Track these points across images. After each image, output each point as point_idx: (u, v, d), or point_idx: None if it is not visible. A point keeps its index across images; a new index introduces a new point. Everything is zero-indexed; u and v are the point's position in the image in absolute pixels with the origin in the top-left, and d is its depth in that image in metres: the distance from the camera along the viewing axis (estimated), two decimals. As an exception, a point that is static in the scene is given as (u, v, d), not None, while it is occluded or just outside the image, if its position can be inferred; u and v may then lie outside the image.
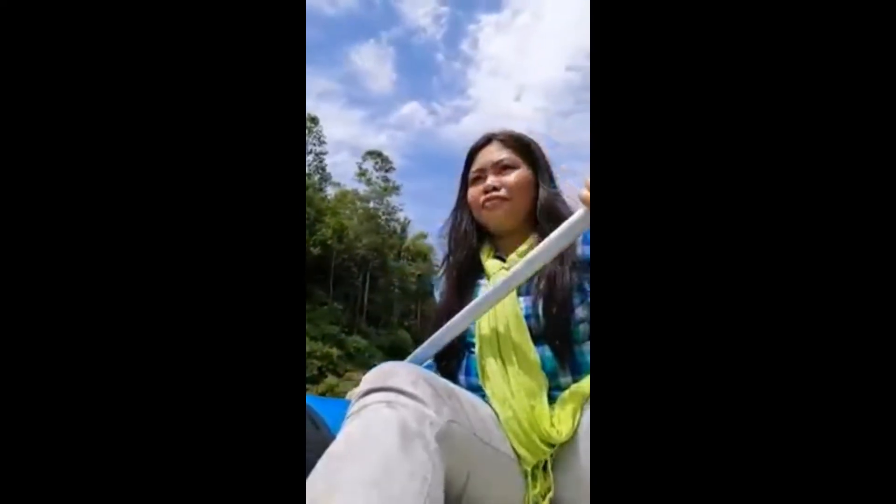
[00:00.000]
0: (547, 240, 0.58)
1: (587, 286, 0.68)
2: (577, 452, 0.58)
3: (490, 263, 0.77)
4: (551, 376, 0.64)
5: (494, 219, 0.78)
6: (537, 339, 0.66)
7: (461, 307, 0.73)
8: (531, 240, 0.75)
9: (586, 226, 0.56)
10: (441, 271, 0.85)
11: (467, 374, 0.72)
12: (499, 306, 0.67)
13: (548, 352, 0.66)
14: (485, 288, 0.75)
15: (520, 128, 0.84)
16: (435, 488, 0.42)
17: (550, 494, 0.58)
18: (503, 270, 0.73)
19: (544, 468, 0.60)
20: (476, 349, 0.69)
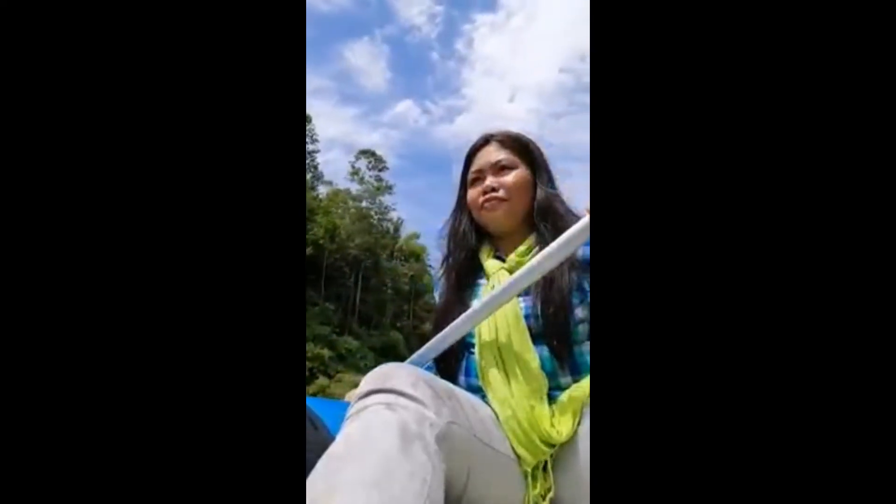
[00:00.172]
0: (549, 247, 0.57)
1: (586, 286, 0.68)
2: (576, 452, 0.58)
3: (490, 263, 0.77)
4: (551, 376, 0.65)
5: (494, 219, 0.78)
6: (537, 340, 0.66)
7: (461, 308, 0.73)
8: (531, 240, 0.75)
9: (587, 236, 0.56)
10: (440, 272, 0.85)
11: (467, 374, 0.72)
12: None
13: (547, 352, 0.66)
14: (485, 288, 0.75)
15: (514, 129, 0.85)
16: (435, 489, 0.42)
17: (551, 495, 0.58)
18: (503, 270, 0.73)
19: (544, 468, 0.60)
20: (476, 350, 0.69)
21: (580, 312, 0.67)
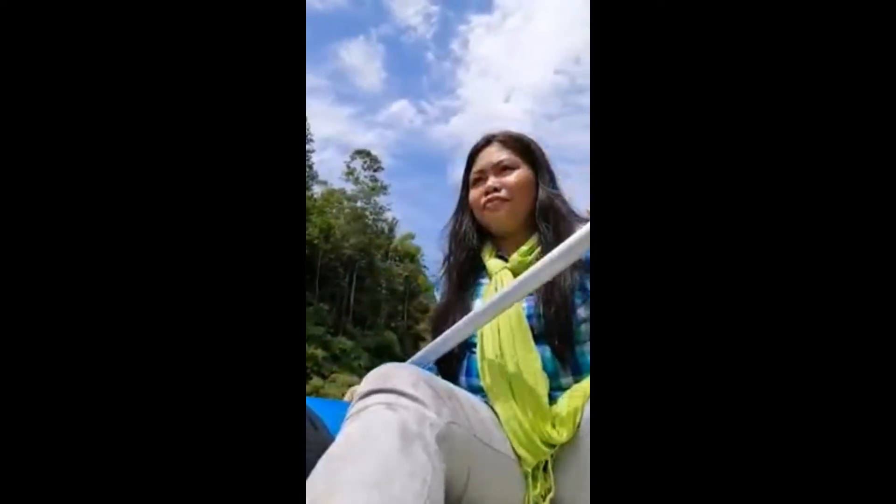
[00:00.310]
0: (553, 252, 0.56)
1: (588, 286, 0.68)
2: (577, 453, 0.58)
3: (492, 263, 0.77)
4: (552, 377, 0.65)
5: (496, 220, 0.79)
6: (539, 339, 0.66)
7: (461, 307, 0.73)
8: (533, 240, 0.75)
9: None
10: (442, 272, 0.85)
11: (468, 374, 0.72)
12: None
13: (549, 352, 0.66)
14: (487, 287, 0.75)
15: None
16: (435, 489, 0.42)
17: (551, 495, 0.58)
18: (506, 270, 0.73)
19: (544, 469, 0.60)
20: (477, 349, 0.69)
21: (582, 312, 0.67)
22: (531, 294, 0.69)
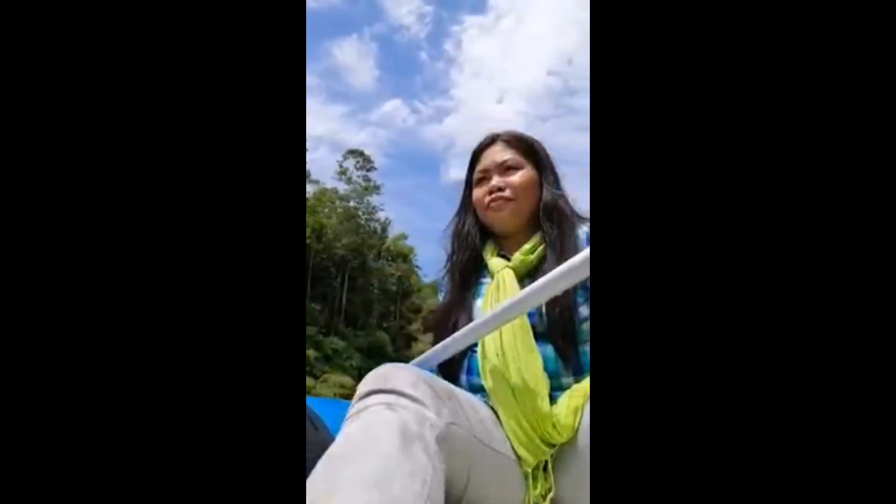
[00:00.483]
0: (564, 265, 0.54)
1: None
2: (577, 453, 0.58)
3: (494, 262, 0.76)
4: (553, 377, 0.65)
5: (500, 219, 0.79)
6: (540, 339, 0.66)
7: (464, 307, 0.73)
8: (535, 238, 0.75)
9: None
10: (444, 272, 0.85)
11: (469, 373, 0.72)
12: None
13: (551, 351, 0.66)
14: (488, 286, 0.75)
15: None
16: (435, 490, 0.42)
17: (551, 495, 0.58)
18: (507, 268, 0.73)
19: (544, 469, 0.61)
20: (478, 348, 0.69)
21: (584, 311, 0.67)
22: None
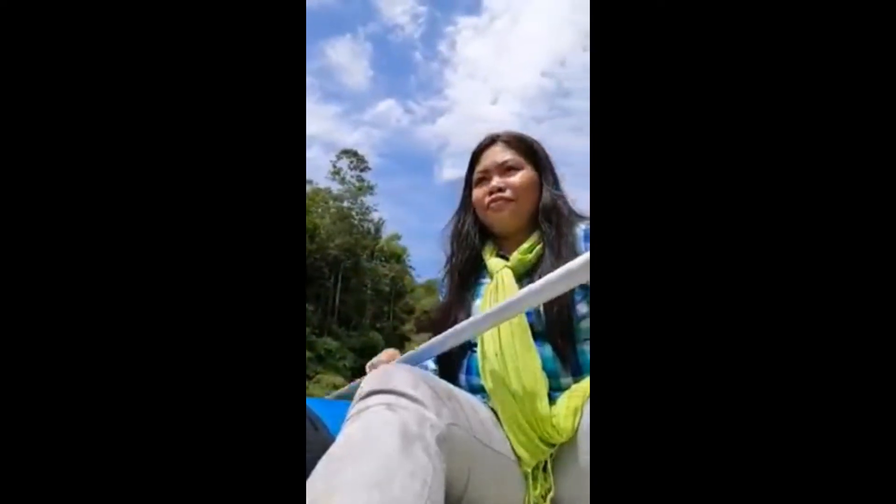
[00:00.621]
0: (559, 271, 0.54)
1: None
2: (576, 453, 0.59)
3: (493, 262, 0.77)
4: (552, 376, 0.65)
5: (500, 220, 0.79)
6: (539, 338, 0.66)
7: (463, 307, 0.73)
8: (534, 237, 0.76)
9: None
10: (443, 272, 0.85)
11: (468, 373, 0.72)
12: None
13: (550, 351, 0.66)
14: (487, 286, 0.75)
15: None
16: (435, 490, 0.42)
17: (551, 495, 0.58)
18: (506, 268, 0.73)
19: (544, 469, 0.61)
20: (478, 348, 0.69)
21: (582, 308, 0.67)
22: None
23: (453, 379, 0.72)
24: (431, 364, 0.81)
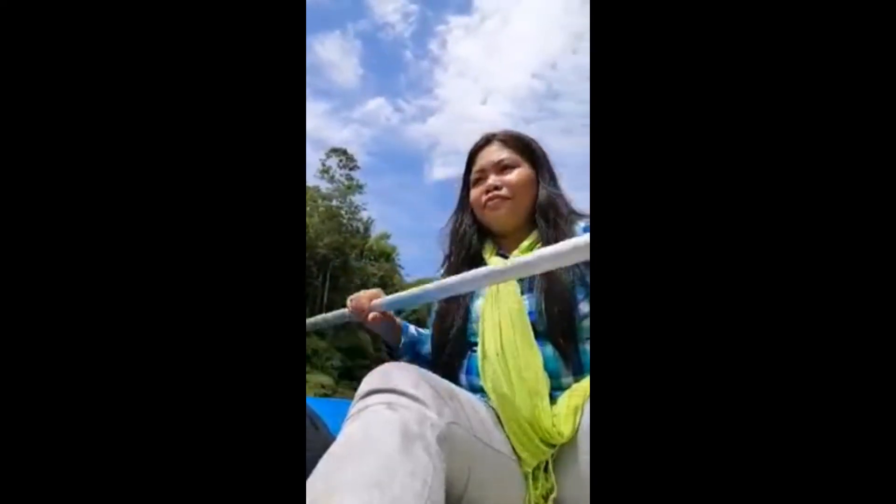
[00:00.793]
0: (547, 249, 0.56)
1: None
2: (577, 453, 0.59)
3: (493, 261, 0.76)
4: (553, 376, 0.65)
5: (497, 218, 0.79)
6: (540, 337, 0.66)
7: (462, 306, 0.73)
8: (534, 236, 0.76)
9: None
10: (442, 272, 0.85)
11: (468, 373, 0.72)
12: (502, 304, 0.67)
13: (551, 351, 0.66)
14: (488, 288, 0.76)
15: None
16: (436, 490, 0.42)
17: (553, 495, 0.58)
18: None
19: (545, 469, 0.61)
20: (478, 348, 0.68)
21: (584, 307, 0.67)
22: (532, 291, 0.69)
23: (454, 379, 0.72)
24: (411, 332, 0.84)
